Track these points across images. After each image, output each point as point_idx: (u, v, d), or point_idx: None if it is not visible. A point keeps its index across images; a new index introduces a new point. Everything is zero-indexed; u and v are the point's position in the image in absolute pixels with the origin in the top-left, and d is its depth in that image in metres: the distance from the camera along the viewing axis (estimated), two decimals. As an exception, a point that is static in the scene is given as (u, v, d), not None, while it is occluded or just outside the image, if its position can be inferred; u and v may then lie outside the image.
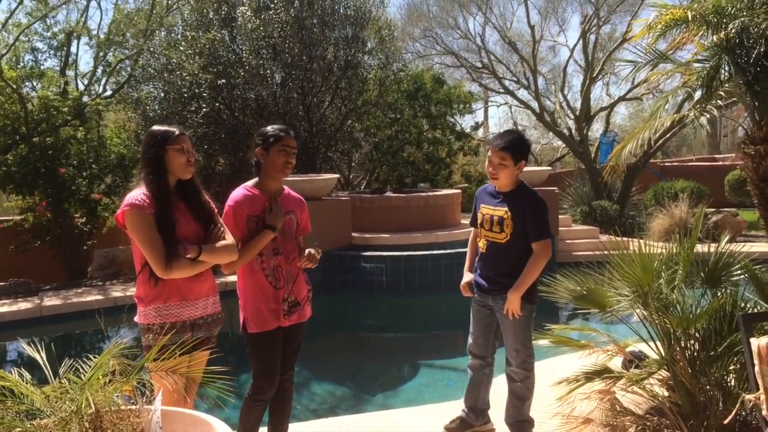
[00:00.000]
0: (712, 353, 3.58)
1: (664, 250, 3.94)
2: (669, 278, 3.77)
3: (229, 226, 3.19)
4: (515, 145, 3.60)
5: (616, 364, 4.42)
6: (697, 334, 3.65)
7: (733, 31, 4.13)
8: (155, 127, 3.07)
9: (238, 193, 3.34)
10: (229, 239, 3.11)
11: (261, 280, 3.30)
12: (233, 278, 3.51)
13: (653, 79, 5.38)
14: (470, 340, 4.01)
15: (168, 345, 2.74)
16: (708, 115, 4.16)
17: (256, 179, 3.40)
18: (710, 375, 3.59)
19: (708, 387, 3.57)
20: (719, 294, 3.82)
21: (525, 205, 3.65)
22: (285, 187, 3.52)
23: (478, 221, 3.86)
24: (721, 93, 4.09)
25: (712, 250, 3.91)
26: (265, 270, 3.31)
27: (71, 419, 1.82)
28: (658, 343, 3.90)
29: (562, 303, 4.27)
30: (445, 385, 5.99)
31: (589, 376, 3.93)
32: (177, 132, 3.01)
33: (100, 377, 2.00)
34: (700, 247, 3.93)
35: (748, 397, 2.68)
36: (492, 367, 3.97)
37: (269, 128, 3.36)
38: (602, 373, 3.92)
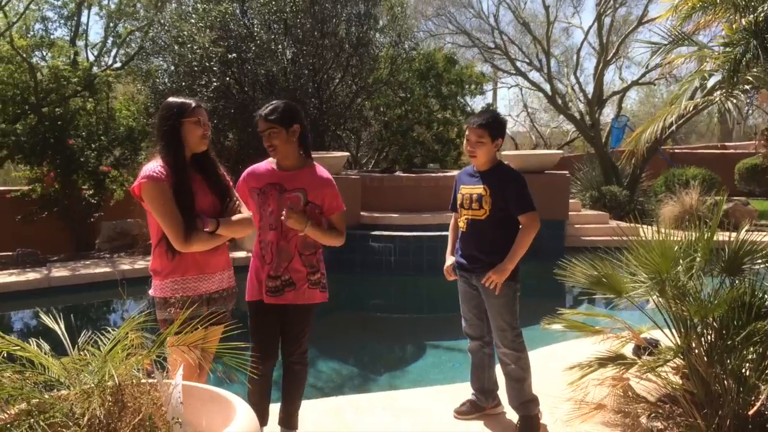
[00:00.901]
0: (729, 343, 3.54)
1: (677, 237, 3.88)
2: (688, 266, 3.72)
3: (243, 200, 3.20)
4: (492, 123, 3.69)
5: (627, 350, 4.39)
6: (714, 323, 3.61)
7: (762, 14, 4.03)
8: (171, 99, 3.02)
9: (251, 167, 3.45)
10: (245, 212, 3.08)
11: (257, 252, 3.40)
12: (240, 254, 3.55)
13: (675, 62, 5.27)
14: (463, 323, 4.03)
15: (187, 319, 2.73)
16: (735, 100, 4.08)
17: None
18: (726, 365, 3.56)
19: (724, 376, 3.53)
20: (737, 283, 3.77)
21: (503, 181, 3.71)
22: (315, 163, 3.47)
23: (458, 202, 3.90)
24: (749, 78, 4.01)
25: (731, 238, 3.85)
26: (261, 243, 3.39)
27: (93, 392, 1.79)
28: (674, 331, 3.86)
29: (568, 287, 4.24)
30: (451, 367, 5.99)
31: (603, 362, 3.90)
32: (194, 104, 2.97)
33: (120, 350, 1.97)
34: (717, 236, 3.87)
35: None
36: (492, 345, 3.96)
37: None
38: (616, 359, 3.89)
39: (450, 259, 4.04)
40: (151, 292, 2.99)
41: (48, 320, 2.20)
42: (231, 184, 3.17)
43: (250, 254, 3.59)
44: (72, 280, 8.16)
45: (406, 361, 6.44)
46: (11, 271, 8.51)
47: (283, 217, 3.23)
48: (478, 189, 3.75)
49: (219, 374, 2.48)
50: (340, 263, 9.39)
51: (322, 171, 3.48)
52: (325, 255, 3.60)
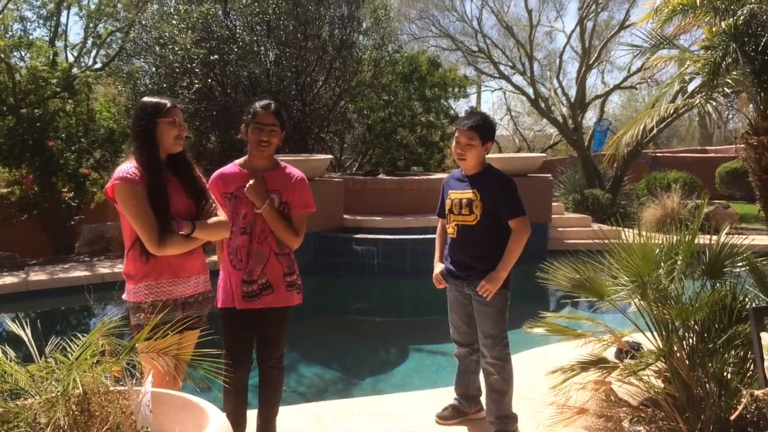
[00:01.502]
0: (710, 346, 3.53)
1: (660, 240, 3.88)
2: (669, 269, 3.71)
3: None
4: (482, 126, 3.59)
5: (610, 353, 4.38)
6: (696, 326, 3.60)
7: (741, 18, 4.04)
8: (146, 99, 2.97)
9: (218, 171, 3.35)
10: (221, 215, 3.03)
11: (226, 258, 3.31)
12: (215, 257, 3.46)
13: (655, 65, 5.29)
14: (452, 330, 3.94)
15: (159, 324, 2.66)
16: (714, 103, 4.09)
17: (246, 156, 3.36)
18: (708, 368, 3.55)
19: (705, 380, 3.52)
20: (718, 286, 3.78)
21: (493, 185, 3.61)
22: (283, 163, 3.41)
23: (447, 207, 3.79)
24: (729, 81, 4.01)
25: (711, 241, 3.85)
26: (229, 248, 3.29)
27: (57, 401, 1.72)
28: (655, 334, 3.85)
29: (552, 290, 4.22)
30: (434, 371, 5.95)
31: (585, 365, 3.88)
32: (169, 104, 2.91)
33: (88, 357, 1.90)
34: (698, 239, 3.87)
35: (758, 392, 2.63)
36: (479, 353, 3.86)
37: (255, 103, 3.30)
38: (598, 363, 3.87)
39: (439, 267, 3.92)
40: (124, 296, 2.93)
41: (15, 327, 2.13)
42: (207, 186, 3.12)
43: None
44: (50, 284, 8.03)
45: (389, 365, 6.40)
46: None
47: (246, 186, 3.18)
48: (468, 194, 3.65)
49: (191, 383, 2.43)
50: (323, 266, 9.36)
51: (294, 170, 3.41)
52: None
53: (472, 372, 3.94)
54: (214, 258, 3.46)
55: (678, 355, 3.64)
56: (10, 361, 1.94)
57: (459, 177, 3.79)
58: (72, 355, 1.97)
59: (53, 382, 1.81)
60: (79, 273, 8.34)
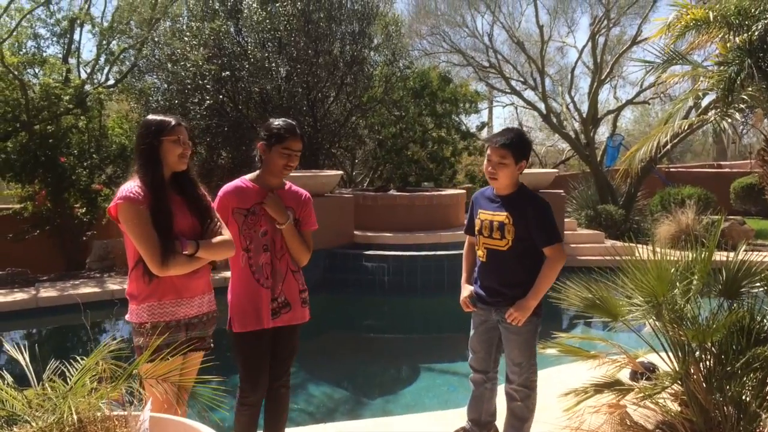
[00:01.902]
0: (728, 369, 3.43)
1: (674, 257, 3.78)
2: (684, 288, 3.63)
3: (222, 220, 3.09)
4: (516, 143, 3.37)
5: (624, 374, 4.29)
6: (713, 349, 3.51)
7: (756, 33, 3.98)
8: (150, 117, 2.93)
9: (229, 185, 3.27)
10: (226, 234, 2.98)
11: (248, 277, 3.20)
12: (226, 274, 3.39)
13: (668, 81, 5.22)
14: (470, 355, 3.78)
15: (161, 347, 2.61)
16: (730, 120, 4.01)
17: (256, 172, 3.31)
18: (726, 391, 3.45)
19: (723, 404, 3.42)
20: (735, 306, 3.68)
21: (528, 209, 3.43)
22: (286, 181, 3.39)
23: (476, 228, 3.62)
24: (744, 96, 3.94)
25: (728, 258, 3.76)
26: (252, 267, 3.20)
27: (52, 429, 1.67)
28: (671, 355, 3.76)
29: (565, 309, 4.13)
30: (446, 391, 5.85)
31: (599, 388, 3.80)
32: (173, 122, 2.87)
33: (87, 382, 1.85)
34: (714, 255, 3.78)
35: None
36: (495, 381, 3.76)
37: (276, 123, 3.24)
38: (612, 385, 3.78)
39: (467, 289, 3.73)
40: (127, 317, 2.88)
41: (12, 350, 2.08)
42: (212, 204, 3.07)
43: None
44: (59, 300, 8.01)
45: (399, 384, 6.30)
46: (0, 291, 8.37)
47: (266, 201, 3.16)
48: (500, 216, 3.45)
49: (202, 408, 2.36)
50: (333, 283, 9.30)
51: (299, 188, 3.42)
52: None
53: (486, 399, 3.80)
54: (223, 275, 3.40)
55: (695, 377, 3.55)
56: (7, 386, 1.89)
57: (491, 196, 3.60)
58: (71, 379, 1.92)
59: (49, 410, 1.76)
60: (89, 290, 8.33)
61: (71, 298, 7.97)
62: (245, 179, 3.30)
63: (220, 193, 3.23)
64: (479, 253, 3.59)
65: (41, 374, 2.02)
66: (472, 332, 3.75)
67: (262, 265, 3.20)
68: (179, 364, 2.68)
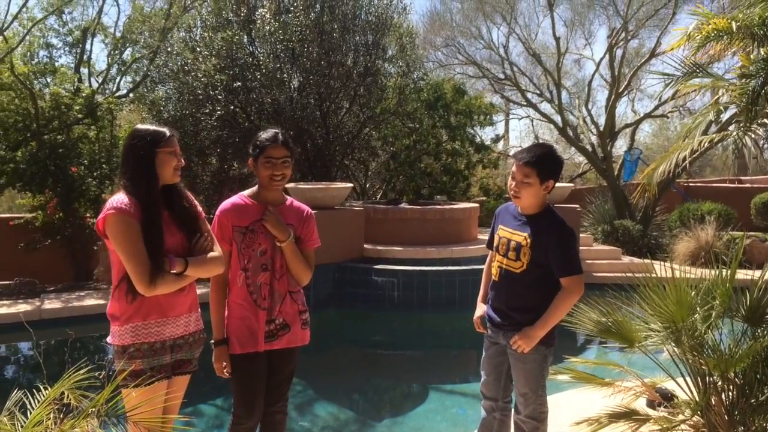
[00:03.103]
0: (752, 401, 3.22)
1: (694, 277, 3.56)
2: (705, 314, 3.41)
3: (217, 238, 2.92)
4: (543, 161, 3.13)
5: (640, 401, 4.07)
6: (736, 379, 3.29)
7: (782, 44, 3.78)
8: (141, 126, 2.77)
9: (227, 202, 3.12)
10: (217, 250, 2.82)
11: (245, 297, 3.06)
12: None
13: (687, 94, 5.02)
14: (482, 379, 3.56)
15: (145, 371, 2.46)
16: (753, 135, 3.80)
17: (255, 188, 3.16)
18: (749, 425, 3.23)
19: (747, 438, 3.21)
20: (759, 333, 3.46)
21: (550, 235, 3.17)
22: (289, 197, 3.23)
23: (494, 243, 3.42)
24: (769, 111, 3.74)
25: (753, 278, 3.53)
26: (250, 287, 3.05)
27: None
28: (690, 382, 3.55)
29: (580, 331, 3.92)
30: (455, 413, 5.65)
31: (613, 418, 3.59)
32: (168, 133, 2.73)
33: (44, 419, 1.69)
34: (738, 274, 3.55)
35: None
36: (505, 411, 3.50)
37: (259, 135, 3.09)
38: (628, 415, 3.57)
39: (481, 308, 3.55)
40: (108, 339, 2.71)
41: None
42: (203, 215, 2.91)
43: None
44: (63, 312, 7.89)
45: (408, 404, 6.10)
46: (3, 302, 8.28)
47: (264, 217, 3.01)
48: (519, 236, 3.24)
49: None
50: (342, 297, 9.14)
51: (301, 204, 3.27)
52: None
53: (494, 429, 3.54)
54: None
55: (716, 409, 3.33)
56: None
57: (515, 213, 3.36)
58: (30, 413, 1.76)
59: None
60: (93, 301, 8.23)
61: (74, 310, 7.88)
62: (243, 195, 3.15)
63: (218, 211, 3.09)
64: (493, 270, 3.41)
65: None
66: (483, 354, 3.56)
67: (260, 285, 3.05)
68: (163, 389, 2.54)
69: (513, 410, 3.43)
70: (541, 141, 25.12)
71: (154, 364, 2.64)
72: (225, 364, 3.06)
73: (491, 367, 3.47)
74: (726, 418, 3.27)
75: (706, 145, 4.07)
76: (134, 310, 2.66)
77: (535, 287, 3.22)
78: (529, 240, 3.19)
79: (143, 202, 2.64)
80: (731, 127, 4.29)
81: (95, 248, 10.78)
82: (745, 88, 3.87)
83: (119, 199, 2.64)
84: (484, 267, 3.64)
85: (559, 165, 3.24)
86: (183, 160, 2.80)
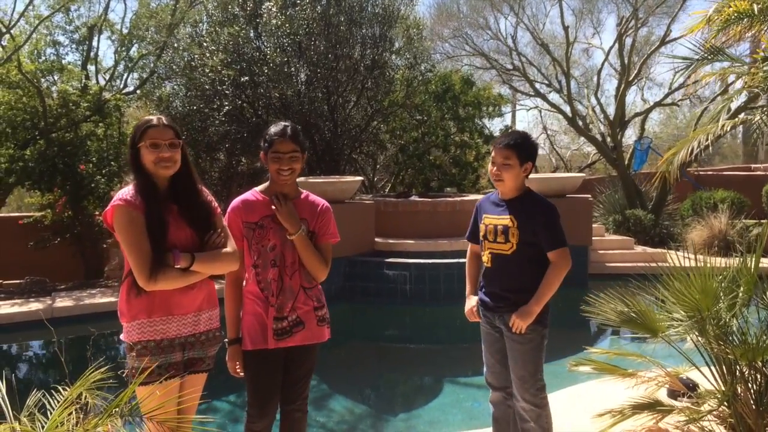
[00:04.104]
0: (781, 390, 3.15)
1: (720, 264, 3.49)
2: (730, 302, 3.34)
3: (234, 234, 2.87)
4: (520, 144, 3.30)
5: (661, 392, 4.00)
6: (764, 368, 3.22)
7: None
8: (139, 121, 2.73)
9: (238, 199, 3.06)
10: (230, 247, 2.76)
11: (256, 294, 3.00)
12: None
13: (704, 79, 4.93)
14: (485, 370, 3.55)
15: (154, 369, 2.41)
16: (777, 120, 3.72)
17: (267, 183, 3.10)
18: (779, 415, 3.16)
19: (776, 428, 3.14)
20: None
21: (534, 212, 3.30)
22: (305, 191, 3.16)
23: (481, 233, 3.47)
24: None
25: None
26: (260, 283, 2.99)
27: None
28: (714, 371, 3.48)
29: (592, 319, 3.86)
30: (470, 406, 5.59)
31: (636, 409, 3.53)
32: (146, 125, 2.65)
33: (65, 420, 1.64)
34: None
35: None
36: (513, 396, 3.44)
37: (270, 128, 3.02)
38: (652, 406, 3.51)
39: (472, 300, 3.59)
40: (122, 336, 2.67)
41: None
42: (218, 211, 2.85)
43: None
44: (74, 310, 7.89)
45: (422, 398, 6.05)
46: (15, 300, 8.28)
47: (273, 206, 2.94)
48: (504, 220, 3.34)
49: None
50: (354, 291, 9.10)
51: (317, 198, 3.18)
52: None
53: (510, 420, 3.50)
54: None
55: (743, 398, 3.26)
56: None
57: (495, 200, 3.48)
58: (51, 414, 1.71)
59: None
60: (105, 299, 8.21)
61: (86, 308, 7.87)
62: (256, 191, 3.10)
63: (229, 208, 3.04)
64: (484, 258, 3.46)
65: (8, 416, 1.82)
66: (483, 346, 3.56)
67: (270, 281, 2.98)
68: (175, 387, 2.49)
69: (513, 399, 3.37)
70: (548, 131, 25.02)
71: (163, 361, 2.59)
72: (238, 363, 3.01)
73: (494, 354, 3.48)
74: (754, 407, 3.20)
75: (728, 129, 3.98)
76: (140, 307, 2.61)
77: (527, 266, 3.30)
78: (515, 221, 3.30)
79: (143, 195, 2.60)
80: (742, 114, 4.19)
81: (105, 246, 10.78)
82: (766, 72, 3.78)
83: (126, 191, 2.62)
84: (467, 261, 3.73)
85: (535, 148, 3.41)
86: (170, 153, 2.65)
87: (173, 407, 2.31)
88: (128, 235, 2.52)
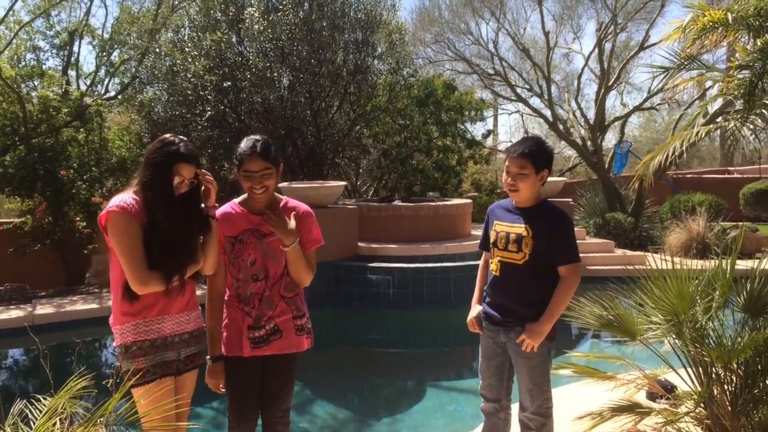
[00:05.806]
0: (755, 392, 3.21)
1: (693, 269, 3.55)
2: (706, 305, 3.41)
3: None
4: (536, 152, 3.14)
5: (640, 394, 4.07)
6: (739, 370, 3.29)
7: (777, 34, 3.78)
8: (170, 137, 2.77)
9: (218, 211, 3.03)
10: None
11: (234, 305, 3.01)
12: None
13: (681, 86, 5.02)
14: (480, 381, 3.47)
15: (149, 368, 2.47)
16: (751, 126, 3.80)
17: (245, 195, 3.07)
18: (753, 416, 3.23)
19: (750, 429, 3.20)
20: (761, 323, 3.46)
21: (551, 223, 3.16)
22: (284, 197, 3.15)
23: (492, 240, 3.34)
24: (766, 101, 3.73)
25: (753, 268, 3.53)
26: (240, 296, 2.99)
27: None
28: (691, 373, 3.55)
29: (581, 325, 3.92)
30: (453, 410, 5.63)
31: (615, 411, 3.58)
32: (178, 155, 2.72)
33: (56, 425, 1.65)
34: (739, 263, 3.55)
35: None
36: (509, 410, 3.45)
37: (240, 145, 2.95)
38: (630, 408, 3.57)
39: (476, 309, 3.47)
40: (114, 343, 2.70)
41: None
42: (209, 225, 2.89)
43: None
44: (56, 317, 7.82)
45: (405, 402, 6.08)
46: (-5, 308, 8.19)
47: (266, 221, 2.90)
48: (519, 228, 3.20)
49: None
50: (337, 296, 9.10)
51: (297, 204, 3.14)
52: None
53: (500, 430, 3.47)
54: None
55: (719, 400, 3.33)
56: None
57: (509, 207, 3.34)
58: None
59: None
60: (86, 306, 8.15)
61: (67, 315, 7.80)
62: (234, 203, 3.08)
63: None
64: (492, 266, 3.32)
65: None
66: (480, 358, 3.47)
67: (251, 294, 2.98)
68: (171, 390, 2.54)
69: (519, 408, 3.36)
70: (530, 134, 25.14)
71: (157, 361, 2.67)
72: (221, 382, 3.01)
73: (492, 368, 3.39)
74: (729, 409, 3.27)
75: (703, 135, 4.06)
76: (135, 310, 2.68)
77: (538, 278, 3.17)
78: (530, 230, 3.16)
79: (153, 202, 2.64)
80: (719, 119, 4.28)
81: (86, 252, 10.69)
82: (743, 79, 3.86)
83: (123, 197, 2.66)
84: (479, 269, 3.57)
85: (551, 155, 3.27)
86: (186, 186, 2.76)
87: (170, 408, 2.37)
88: (125, 241, 2.57)
